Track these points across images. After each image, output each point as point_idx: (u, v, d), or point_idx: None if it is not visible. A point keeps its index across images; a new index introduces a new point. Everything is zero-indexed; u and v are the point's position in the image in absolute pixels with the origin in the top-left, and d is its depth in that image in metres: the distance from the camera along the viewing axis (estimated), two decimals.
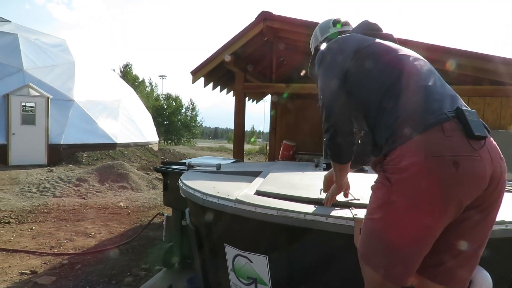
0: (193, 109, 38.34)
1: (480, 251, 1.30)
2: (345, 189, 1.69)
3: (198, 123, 38.36)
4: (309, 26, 4.92)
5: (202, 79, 6.14)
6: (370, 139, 1.43)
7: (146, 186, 8.12)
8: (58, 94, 11.65)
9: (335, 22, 1.80)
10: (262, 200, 1.71)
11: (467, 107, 1.28)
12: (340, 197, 1.73)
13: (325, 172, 1.82)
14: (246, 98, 7.39)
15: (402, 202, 1.20)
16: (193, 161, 3.49)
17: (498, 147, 1.27)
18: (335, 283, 1.60)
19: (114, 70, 23.68)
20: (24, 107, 10.94)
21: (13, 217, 5.29)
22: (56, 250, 4.00)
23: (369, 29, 1.62)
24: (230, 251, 1.82)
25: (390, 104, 1.31)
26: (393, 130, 1.26)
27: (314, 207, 1.60)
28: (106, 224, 5.17)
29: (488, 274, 1.44)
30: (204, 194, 1.90)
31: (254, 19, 5.55)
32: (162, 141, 30.15)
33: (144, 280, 3.23)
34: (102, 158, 11.39)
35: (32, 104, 11.05)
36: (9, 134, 10.47)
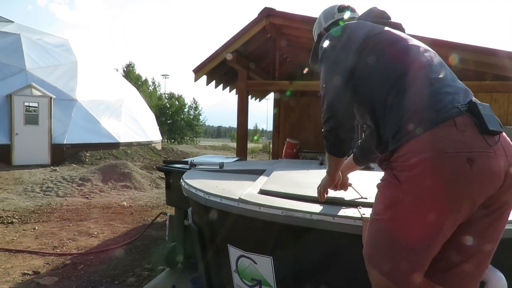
0: (196, 108, 38.37)
1: (492, 252, 1.24)
2: (337, 181, 1.64)
3: (201, 122, 38.37)
4: (313, 22, 4.84)
5: (204, 77, 6.09)
6: (375, 134, 1.36)
7: (149, 185, 8.10)
8: (61, 94, 11.66)
9: (341, 8, 1.70)
10: (266, 200, 1.66)
11: (478, 101, 1.21)
12: (348, 196, 1.68)
13: None
14: (249, 97, 7.34)
15: (412, 202, 1.14)
16: (196, 159, 3.44)
17: None
18: (342, 285, 1.55)
19: (117, 70, 23.75)
20: (27, 107, 10.96)
21: (16, 217, 5.28)
22: (59, 250, 3.97)
23: (378, 17, 1.54)
24: (234, 252, 1.78)
25: (397, 98, 1.24)
26: (401, 125, 1.19)
27: (320, 206, 1.55)
28: (109, 223, 5.15)
29: (502, 275, 1.38)
30: (207, 193, 1.86)
31: (256, 15, 5.49)
32: (165, 140, 30.19)
33: (147, 280, 3.20)
34: (105, 157, 11.39)
35: (35, 104, 11.06)
36: (12, 134, 10.49)
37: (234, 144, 17.50)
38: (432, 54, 1.35)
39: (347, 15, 1.68)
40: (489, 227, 1.20)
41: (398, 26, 1.53)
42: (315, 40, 1.79)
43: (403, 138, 1.17)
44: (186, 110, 37.25)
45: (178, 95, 37.98)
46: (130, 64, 38.12)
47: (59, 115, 11.37)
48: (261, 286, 1.68)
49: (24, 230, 4.70)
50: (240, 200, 1.66)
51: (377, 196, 1.28)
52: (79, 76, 12.88)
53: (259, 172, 2.47)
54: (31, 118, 10.93)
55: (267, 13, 5.39)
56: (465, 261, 1.22)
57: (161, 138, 17.25)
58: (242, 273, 1.76)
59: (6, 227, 4.82)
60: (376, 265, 1.23)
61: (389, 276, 1.19)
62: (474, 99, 1.23)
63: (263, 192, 1.82)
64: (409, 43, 1.37)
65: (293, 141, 6.90)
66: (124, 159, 10.71)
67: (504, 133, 1.19)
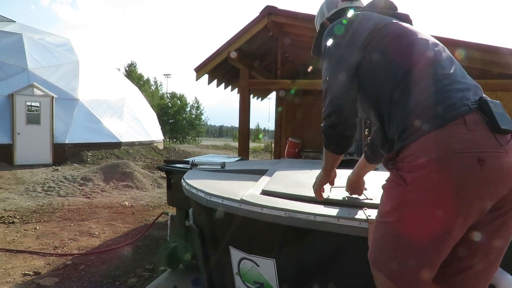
0: (198, 108, 38.40)
1: (502, 255, 1.20)
2: (333, 178, 1.58)
3: (203, 121, 38.39)
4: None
5: (206, 76, 6.06)
6: (380, 131, 1.31)
7: (151, 184, 8.08)
8: (62, 93, 11.65)
9: None
10: (269, 200, 1.62)
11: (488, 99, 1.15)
12: (352, 197, 1.64)
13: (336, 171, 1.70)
14: (251, 96, 7.31)
15: (419, 204, 1.09)
16: (197, 159, 3.41)
17: None
18: None
19: (119, 69, 23.75)
20: (29, 107, 10.96)
21: (18, 217, 5.26)
22: (59, 251, 3.95)
23: (385, 8, 1.47)
24: (236, 254, 1.74)
25: (404, 95, 1.18)
26: (407, 123, 1.14)
27: (324, 207, 1.51)
28: (110, 223, 5.12)
29: None
30: (208, 194, 1.82)
31: (258, 14, 5.45)
32: (167, 139, 30.22)
33: (149, 281, 3.17)
34: (107, 157, 11.38)
35: (37, 104, 11.06)
36: (14, 134, 10.49)
37: (236, 144, 17.46)
38: (441, 48, 1.30)
39: (350, 4, 1.60)
40: (500, 229, 1.16)
41: (406, 18, 1.46)
42: (317, 30, 1.71)
43: (410, 137, 1.12)
44: (188, 109, 37.31)
45: (180, 95, 38.07)
46: (132, 64, 38.19)
47: (61, 114, 11.36)
48: None
49: (25, 230, 4.69)
50: (242, 201, 1.63)
51: (382, 197, 1.24)
52: (81, 75, 12.87)
53: (261, 172, 2.43)
54: (33, 118, 10.93)
55: (269, 12, 5.35)
56: (475, 264, 1.18)
57: (163, 138, 17.24)
58: (244, 275, 1.72)
59: (7, 227, 4.80)
60: (382, 269, 1.18)
61: (395, 280, 1.15)
62: (484, 96, 1.17)
63: (265, 192, 1.78)
64: (417, 37, 1.30)
65: (295, 140, 6.87)
66: (126, 159, 10.70)
67: None
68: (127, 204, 6.39)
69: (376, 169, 2.56)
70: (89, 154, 11.26)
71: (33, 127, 10.83)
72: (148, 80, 39.85)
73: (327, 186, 1.66)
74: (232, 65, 5.96)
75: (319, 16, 1.71)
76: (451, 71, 1.20)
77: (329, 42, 1.41)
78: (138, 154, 12.54)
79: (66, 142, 11.19)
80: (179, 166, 3.20)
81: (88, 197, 6.84)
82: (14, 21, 14.13)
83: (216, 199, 1.76)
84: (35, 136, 10.78)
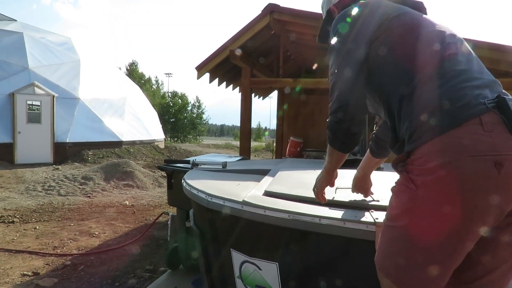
0: (199, 107, 38.37)
1: None
2: (334, 179, 1.48)
3: (204, 120, 38.37)
4: (318, 18, 4.74)
5: (207, 75, 6.01)
6: (390, 129, 1.23)
7: (152, 184, 8.04)
8: (63, 92, 11.62)
9: None
10: (272, 202, 1.56)
11: (508, 95, 1.06)
12: (358, 198, 1.58)
13: (339, 171, 1.65)
14: (253, 95, 7.25)
15: (430, 210, 1.02)
16: (198, 159, 3.36)
17: None
18: None
19: (120, 69, 23.70)
20: (30, 106, 10.93)
21: (18, 216, 5.22)
22: (59, 251, 3.91)
23: None
24: (237, 257, 1.69)
25: (416, 92, 1.10)
26: (418, 123, 1.06)
27: (330, 209, 1.45)
28: (110, 223, 5.08)
29: None
30: (209, 195, 1.77)
31: (260, 11, 5.39)
32: (168, 138, 30.18)
33: (149, 282, 3.12)
34: (108, 156, 11.35)
35: (38, 103, 11.03)
36: (15, 133, 10.46)
37: (237, 143, 17.41)
38: (458, 40, 1.20)
39: None
40: None
41: (419, 6, 1.35)
42: (323, 17, 1.62)
43: (421, 138, 1.05)
44: (189, 108, 37.28)
45: (181, 94, 38.04)
46: (133, 63, 38.22)
47: (61, 113, 11.33)
48: None
49: (25, 229, 4.65)
50: (244, 203, 1.57)
51: (391, 200, 1.17)
52: (82, 74, 12.83)
53: (263, 172, 2.38)
54: (34, 117, 10.90)
55: (271, 9, 5.30)
56: (489, 272, 1.12)
57: (164, 137, 17.20)
58: (246, 279, 1.67)
59: (7, 226, 4.76)
60: (390, 275, 1.12)
61: (403, 286, 1.09)
62: (504, 92, 1.09)
63: (268, 193, 1.72)
64: (431, 29, 1.21)
65: (297, 139, 6.81)
66: (126, 158, 10.66)
67: None
68: (127, 203, 6.35)
69: (381, 169, 2.51)
70: (90, 153, 11.23)
71: (34, 126, 10.80)
72: (149, 79, 39.84)
73: (332, 188, 1.59)
74: (233, 64, 5.90)
75: (325, 2, 1.62)
76: (467, 67, 1.12)
77: (336, 36, 1.33)
78: (139, 153, 12.50)
79: (67, 141, 11.16)
80: (180, 166, 3.15)
81: (89, 197, 6.80)
82: (15, 20, 14.11)
83: (217, 200, 1.70)
84: (36, 135, 10.75)
